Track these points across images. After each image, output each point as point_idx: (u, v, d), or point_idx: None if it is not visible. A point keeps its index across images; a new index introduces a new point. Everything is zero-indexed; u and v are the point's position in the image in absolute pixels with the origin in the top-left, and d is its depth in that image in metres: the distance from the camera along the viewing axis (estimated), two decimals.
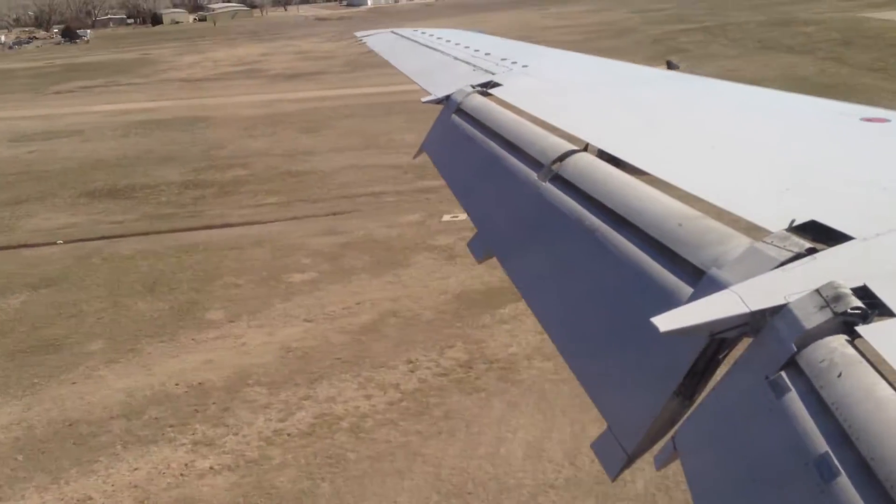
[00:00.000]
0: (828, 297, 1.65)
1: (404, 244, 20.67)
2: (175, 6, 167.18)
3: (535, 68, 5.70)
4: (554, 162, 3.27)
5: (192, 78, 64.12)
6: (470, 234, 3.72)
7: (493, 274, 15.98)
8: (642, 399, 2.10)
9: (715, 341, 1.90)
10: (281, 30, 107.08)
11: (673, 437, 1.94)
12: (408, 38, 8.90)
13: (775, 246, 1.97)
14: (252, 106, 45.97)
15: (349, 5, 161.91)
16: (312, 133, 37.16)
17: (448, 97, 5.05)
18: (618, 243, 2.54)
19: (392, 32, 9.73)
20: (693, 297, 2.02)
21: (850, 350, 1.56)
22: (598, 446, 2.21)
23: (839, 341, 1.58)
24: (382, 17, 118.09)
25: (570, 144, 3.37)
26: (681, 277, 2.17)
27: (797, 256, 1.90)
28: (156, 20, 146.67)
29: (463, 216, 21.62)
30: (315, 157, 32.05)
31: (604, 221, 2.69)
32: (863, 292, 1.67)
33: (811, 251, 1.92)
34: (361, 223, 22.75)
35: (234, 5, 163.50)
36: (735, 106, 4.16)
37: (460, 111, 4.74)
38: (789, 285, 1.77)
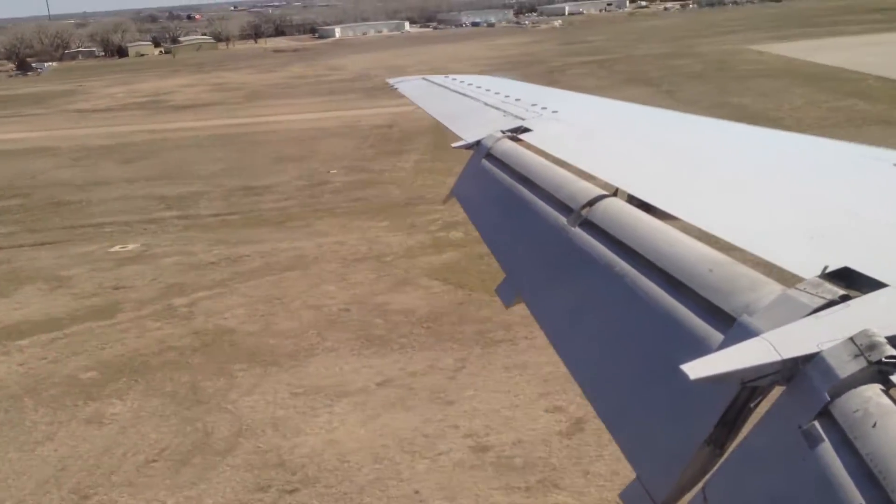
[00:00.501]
0: (862, 345, 1.63)
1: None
2: (155, 38, 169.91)
3: (565, 113, 5.73)
4: (583, 207, 3.27)
5: (93, 109, 64.83)
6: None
7: None
8: (672, 448, 2.07)
9: (746, 389, 1.87)
10: (229, 62, 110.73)
11: (703, 488, 1.91)
12: (438, 84, 8.98)
13: (807, 293, 1.95)
14: (108, 136, 47.79)
15: (320, 37, 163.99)
16: (128, 163, 38.93)
17: (478, 142, 5.08)
18: (648, 289, 2.52)
19: (423, 79, 9.83)
20: (724, 345, 2.00)
21: (885, 400, 1.53)
22: (627, 496, 2.17)
23: (874, 391, 1.56)
24: (337, 48, 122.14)
25: (600, 189, 3.38)
26: (711, 324, 2.15)
27: (830, 303, 1.88)
28: (122, 53, 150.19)
29: (131, 245, 24.52)
30: (103, 188, 33.68)
31: (633, 266, 2.68)
32: None
33: (844, 298, 1.90)
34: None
35: (201, 38, 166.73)
36: (766, 150, 4.16)
37: (490, 156, 4.76)
38: (822, 333, 1.74)
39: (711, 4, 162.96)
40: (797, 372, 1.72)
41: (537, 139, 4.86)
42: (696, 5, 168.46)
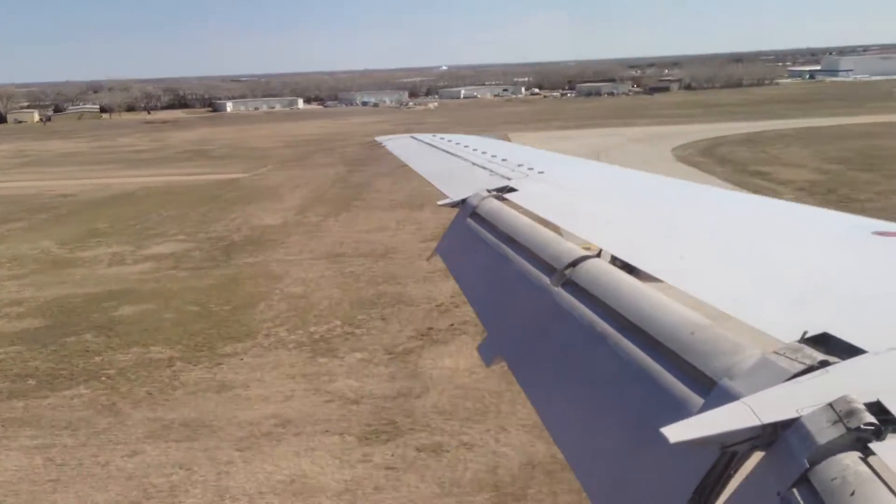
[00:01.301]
0: (841, 411, 1.63)
1: None
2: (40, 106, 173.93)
3: (551, 174, 5.78)
4: (567, 267, 3.28)
5: None
6: None
7: None
8: None
9: (726, 454, 1.86)
10: (86, 130, 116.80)
11: None
12: (426, 143, 9.04)
13: (787, 357, 1.96)
14: None
15: (214, 110, 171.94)
16: None
17: (464, 201, 5.11)
18: (629, 351, 2.52)
19: (411, 137, 9.91)
20: (704, 408, 2.00)
21: (864, 468, 1.53)
22: None
23: (852, 458, 1.56)
24: (209, 121, 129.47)
25: (583, 250, 3.39)
26: (692, 386, 2.15)
27: (810, 369, 1.89)
28: (1, 119, 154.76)
29: None
30: None
31: (615, 328, 2.68)
32: (877, 407, 1.65)
33: (823, 364, 1.91)
34: None
35: (86, 108, 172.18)
36: (747, 216, 4.21)
37: (475, 215, 4.79)
38: (802, 398, 1.74)
39: (588, 94, 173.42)
40: (776, 437, 1.72)
41: (523, 199, 4.90)
42: (574, 94, 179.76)
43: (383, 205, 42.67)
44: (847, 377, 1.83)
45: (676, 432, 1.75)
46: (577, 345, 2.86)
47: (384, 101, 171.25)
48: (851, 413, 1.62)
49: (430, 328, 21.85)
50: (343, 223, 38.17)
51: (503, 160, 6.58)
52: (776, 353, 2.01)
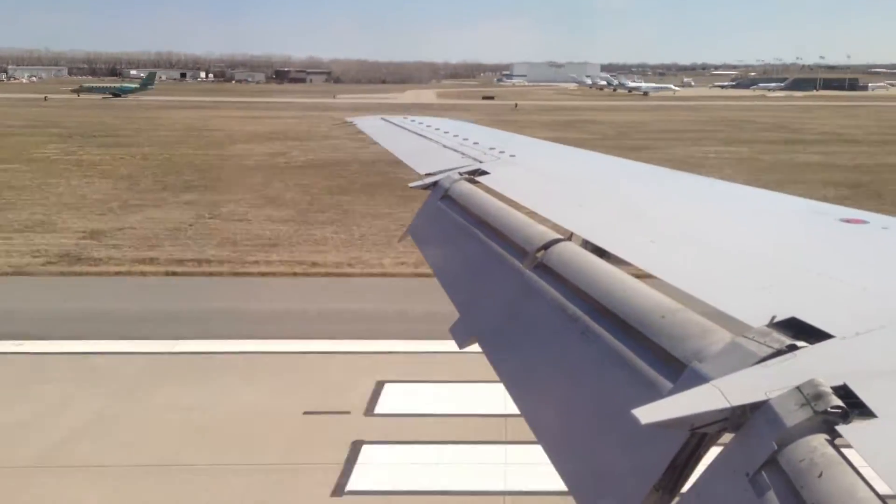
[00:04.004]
0: (808, 394, 1.66)
1: None
2: None
3: (522, 158, 5.79)
4: (538, 250, 3.28)
5: None
6: None
7: None
8: (622, 492, 2.06)
9: (696, 436, 1.88)
10: None
11: None
12: (397, 125, 9.04)
13: (756, 341, 1.99)
14: None
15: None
16: None
17: (435, 183, 5.09)
18: (600, 334, 2.54)
19: (382, 119, 9.93)
20: (675, 390, 2.02)
21: (830, 450, 1.56)
22: None
23: (819, 440, 1.58)
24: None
25: (555, 233, 3.39)
26: (662, 370, 2.17)
27: (778, 353, 1.91)
28: None
29: None
30: None
31: (586, 311, 2.69)
32: (843, 391, 1.68)
33: (792, 348, 1.93)
34: None
35: None
36: (717, 202, 4.26)
37: (447, 197, 4.77)
38: (770, 381, 1.77)
39: None
40: (745, 419, 1.74)
41: (494, 182, 4.91)
42: None
43: None
44: (815, 361, 1.85)
45: (647, 414, 1.77)
46: (548, 327, 2.87)
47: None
48: (819, 396, 1.64)
49: None
50: None
51: (475, 143, 6.58)
52: (745, 337, 2.04)
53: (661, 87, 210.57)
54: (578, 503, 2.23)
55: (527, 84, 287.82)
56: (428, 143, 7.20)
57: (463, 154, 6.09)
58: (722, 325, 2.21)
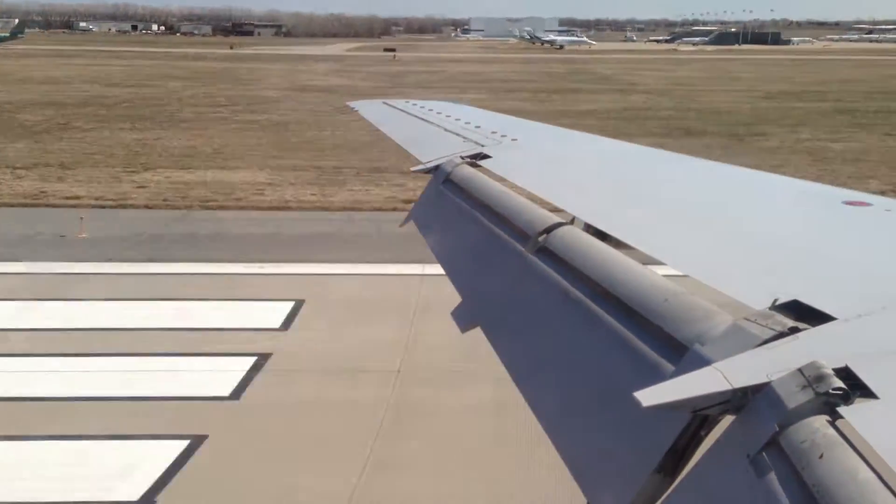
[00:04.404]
0: (810, 377, 1.66)
1: None
2: None
3: (525, 141, 5.78)
4: (540, 234, 3.28)
5: None
6: None
7: None
8: (623, 475, 2.07)
9: (697, 418, 1.89)
10: None
11: None
12: (399, 109, 8.98)
13: (758, 324, 1.99)
14: None
15: None
16: None
17: (437, 167, 5.08)
18: (602, 317, 2.54)
19: (384, 103, 9.84)
20: (676, 373, 2.02)
21: (832, 431, 1.56)
22: None
23: (821, 422, 1.59)
24: None
25: (557, 217, 3.39)
26: (664, 352, 2.17)
27: (780, 335, 1.91)
28: None
29: None
30: None
31: (589, 295, 2.69)
32: (845, 373, 1.68)
33: (794, 330, 1.94)
34: None
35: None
36: (720, 185, 4.26)
37: (449, 181, 4.77)
38: (772, 364, 1.77)
39: None
40: (747, 402, 1.74)
41: (496, 166, 4.91)
42: None
43: None
44: (816, 343, 1.86)
45: (649, 396, 1.77)
46: (551, 311, 2.88)
47: None
48: (820, 378, 1.64)
49: None
50: None
51: (476, 127, 6.57)
52: (747, 319, 2.04)
53: (577, 41, 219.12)
54: (580, 485, 2.24)
55: (480, 39, 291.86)
56: (430, 128, 7.18)
57: (465, 138, 6.08)
58: (724, 308, 2.20)
